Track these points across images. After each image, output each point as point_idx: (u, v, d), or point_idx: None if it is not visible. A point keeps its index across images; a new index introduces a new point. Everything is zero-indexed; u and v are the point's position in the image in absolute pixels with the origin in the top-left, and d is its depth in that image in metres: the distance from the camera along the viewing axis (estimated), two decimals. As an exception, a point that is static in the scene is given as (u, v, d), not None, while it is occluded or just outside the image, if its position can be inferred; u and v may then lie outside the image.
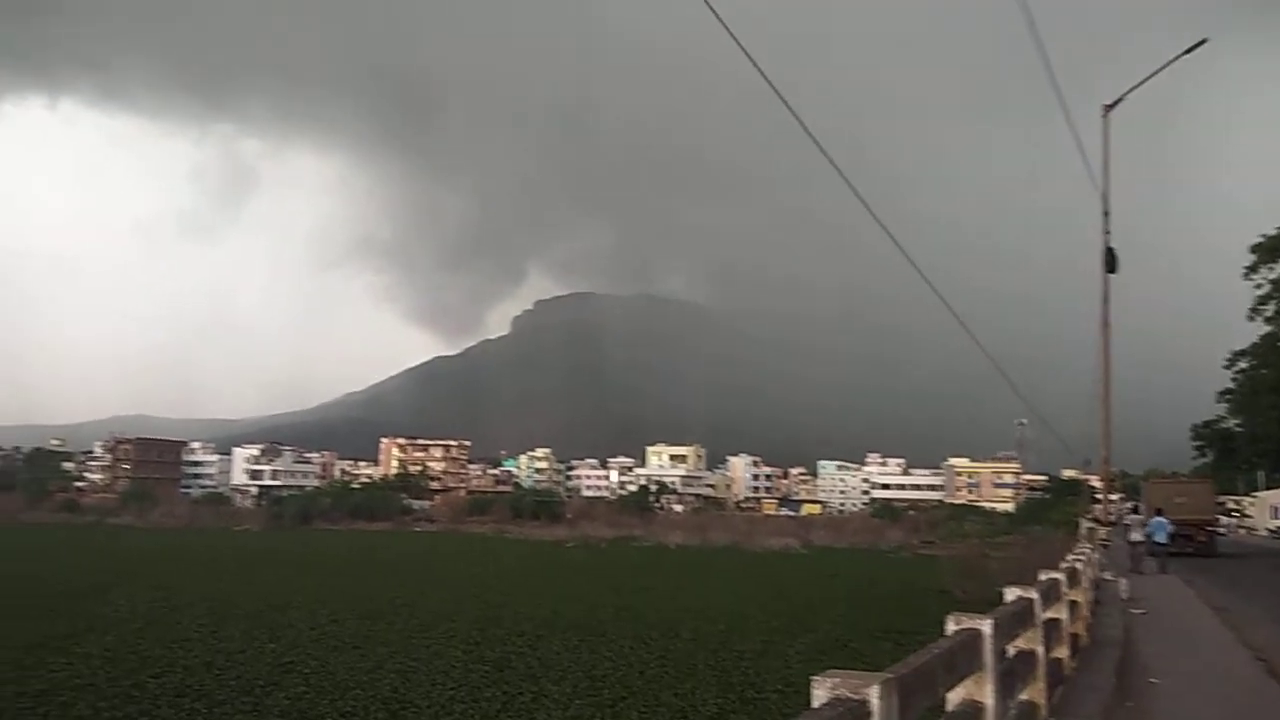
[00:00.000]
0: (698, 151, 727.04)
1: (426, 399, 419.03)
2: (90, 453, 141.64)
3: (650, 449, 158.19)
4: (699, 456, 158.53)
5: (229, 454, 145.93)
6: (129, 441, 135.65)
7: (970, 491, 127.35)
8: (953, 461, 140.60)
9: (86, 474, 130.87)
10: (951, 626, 4.67)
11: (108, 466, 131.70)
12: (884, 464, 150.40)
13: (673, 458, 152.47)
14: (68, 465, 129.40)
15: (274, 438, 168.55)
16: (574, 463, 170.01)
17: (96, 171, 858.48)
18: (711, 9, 7.17)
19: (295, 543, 54.59)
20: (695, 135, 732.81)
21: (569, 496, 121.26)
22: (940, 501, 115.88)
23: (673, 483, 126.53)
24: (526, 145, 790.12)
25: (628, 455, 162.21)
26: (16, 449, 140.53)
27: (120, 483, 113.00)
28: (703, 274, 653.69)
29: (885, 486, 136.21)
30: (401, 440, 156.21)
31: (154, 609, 23.75)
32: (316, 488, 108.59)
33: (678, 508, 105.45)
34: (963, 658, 4.31)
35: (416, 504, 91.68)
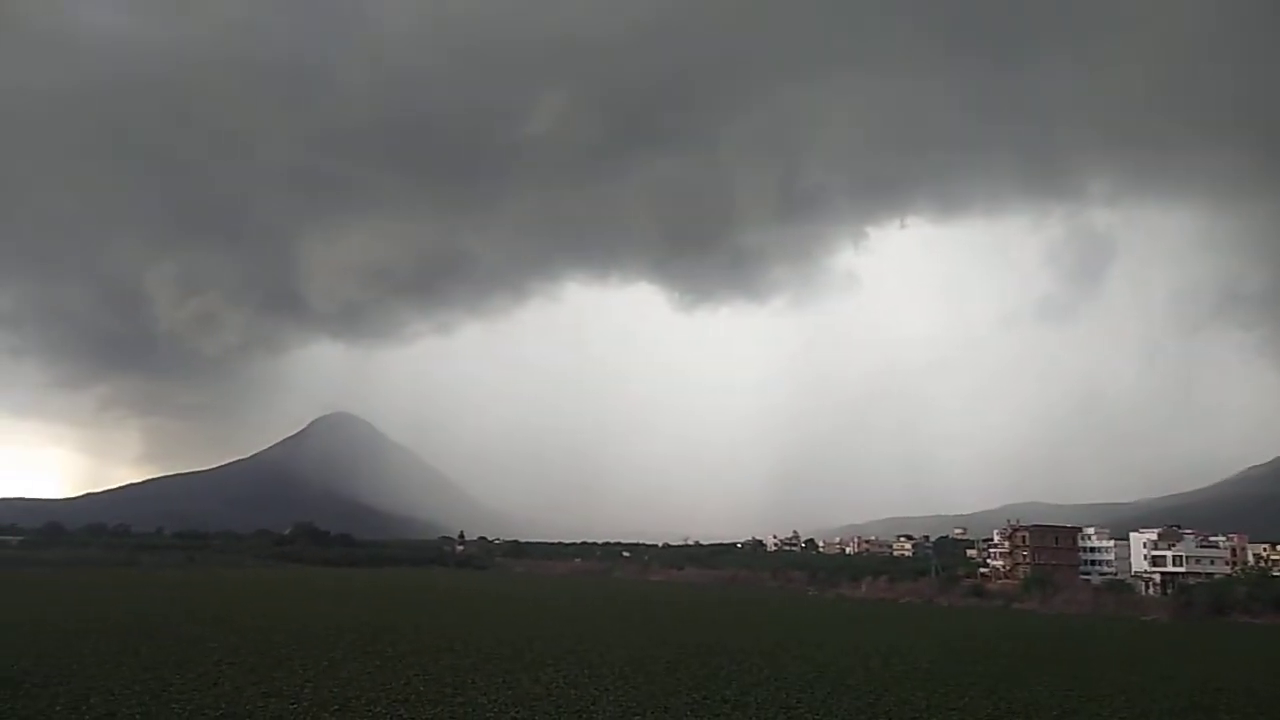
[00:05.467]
0: None
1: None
2: (989, 540, 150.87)
3: None
4: None
5: (1125, 539, 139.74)
6: (1025, 529, 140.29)
7: None
8: None
9: (989, 560, 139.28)
10: None
11: (1006, 554, 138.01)
12: None
13: None
14: (971, 552, 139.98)
15: (1168, 520, 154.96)
16: None
17: (945, 277, 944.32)
18: None
19: (1208, 635, 47.77)
20: None
21: None
22: None
23: None
24: None
25: None
26: (926, 537, 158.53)
27: (1020, 569, 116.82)
28: None
29: None
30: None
31: (1068, 699, 22.64)
32: (1227, 575, 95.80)
33: None
34: None
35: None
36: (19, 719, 14.94)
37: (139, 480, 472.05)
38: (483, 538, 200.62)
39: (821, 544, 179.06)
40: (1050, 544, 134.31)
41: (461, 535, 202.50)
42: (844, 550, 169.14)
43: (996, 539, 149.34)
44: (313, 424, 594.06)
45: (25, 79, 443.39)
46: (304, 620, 35.16)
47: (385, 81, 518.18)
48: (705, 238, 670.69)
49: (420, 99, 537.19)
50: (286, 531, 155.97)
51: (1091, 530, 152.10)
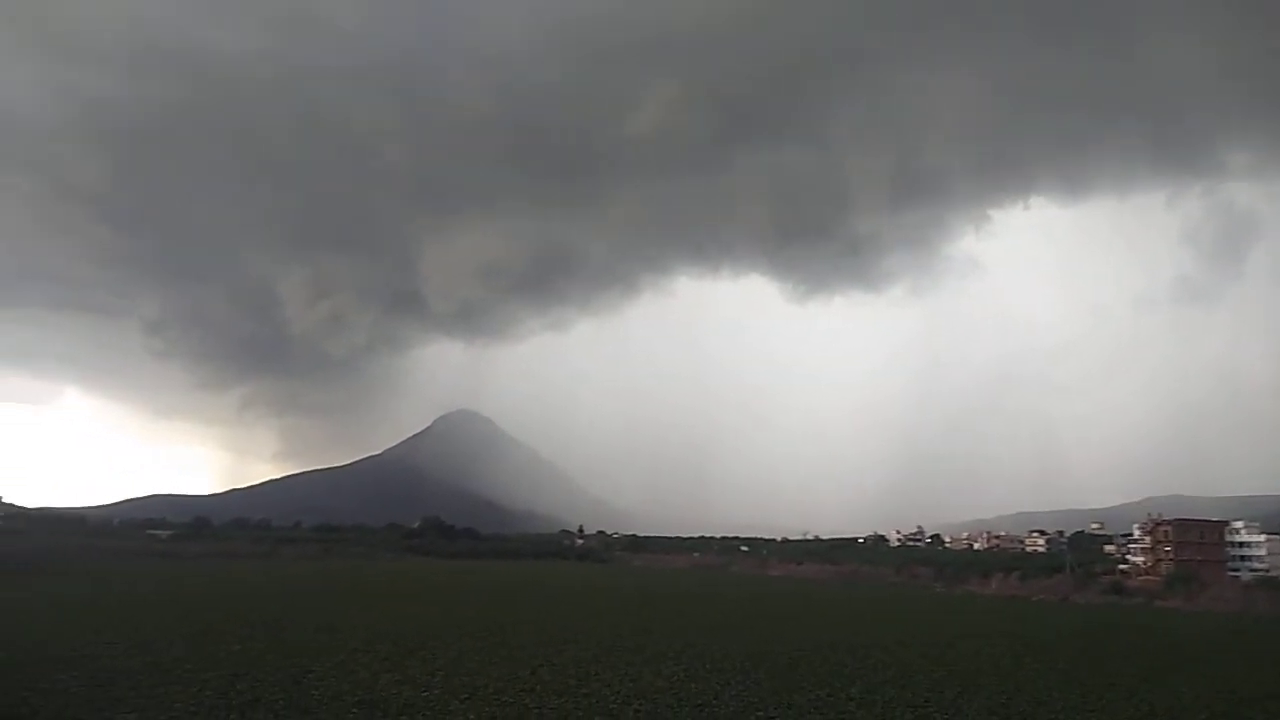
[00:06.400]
0: None
1: None
2: (1128, 535, 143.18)
3: None
4: None
5: (1278, 534, 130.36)
6: (1167, 523, 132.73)
7: None
8: None
9: (1128, 556, 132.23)
10: None
11: (1148, 549, 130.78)
12: None
13: None
14: (1108, 548, 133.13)
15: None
16: None
17: (1072, 260, 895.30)
18: None
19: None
20: None
21: None
22: None
23: None
24: None
25: None
26: (1060, 533, 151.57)
27: (1162, 565, 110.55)
28: None
29: None
30: None
31: (1216, 701, 21.16)
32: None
33: None
34: None
35: None
36: (173, 704, 15.87)
37: (278, 476, 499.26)
38: (601, 532, 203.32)
39: (948, 539, 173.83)
40: (1195, 539, 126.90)
41: (581, 529, 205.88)
42: (971, 546, 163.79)
43: (1136, 533, 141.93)
44: (436, 421, 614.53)
45: (157, 99, 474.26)
46: (434, 611, 36.34)
47: (497, 84, 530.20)
48: (818, 227, 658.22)
49: (532, 99, 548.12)
50: (415, 525, 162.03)
51: (1240, 524, 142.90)
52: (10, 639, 23.36)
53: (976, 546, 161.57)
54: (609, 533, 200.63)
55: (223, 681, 18.17)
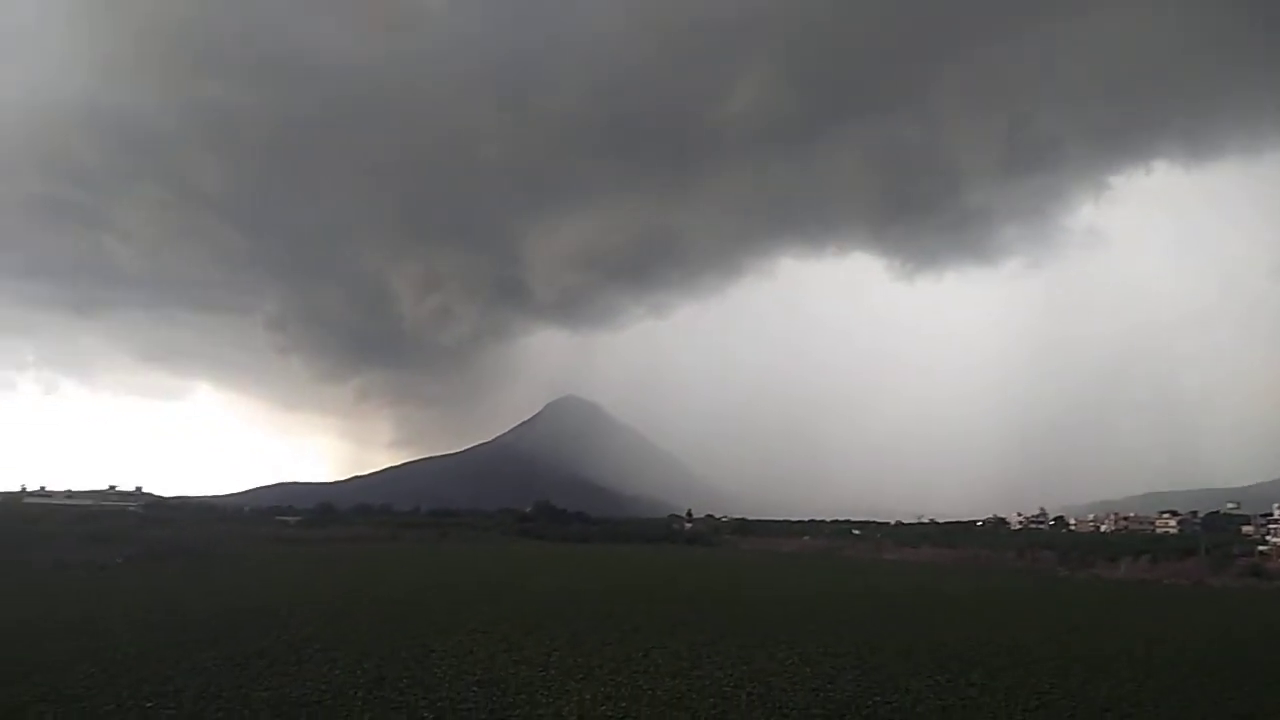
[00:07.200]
0: None
1: None
2: (1269, 515, 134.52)
3: None
4: None
5: None
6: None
7: None
8: None
9: (1269, 538, 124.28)
10: None
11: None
12: None
13: None
14: (1246, 529, 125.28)
15: None
16: None
17: (1199, 227, 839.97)
18: None
19: None
20: None
21: None
22: None
23: None
24: None
25: None
26: (1193, 513, 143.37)
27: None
28: None
29: None
30: None
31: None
32: None
33: None
34: None
35: None
36: (304, 681, 16.66)
37: (395, 464, 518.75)
38: (709, 515, 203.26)
39: (1072, 521, 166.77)
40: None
41: (689, 513, 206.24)
42: (1098, 528, 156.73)
43: (1277, 513, 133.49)
44: (545, 408, 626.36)
45: (273, 105, 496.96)
46: (548, 592, 37.04)
47: (594, 73, 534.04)
48: (926, 201, 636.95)
49: (629, 85, 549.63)
50: (528, 509, 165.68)
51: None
52: (156, 620, 24.97)
53: (1103, 529, 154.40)
54: (717, 516, 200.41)
55: (350, 660, 18.97)
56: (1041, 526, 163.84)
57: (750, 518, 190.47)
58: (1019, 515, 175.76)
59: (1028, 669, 20.82)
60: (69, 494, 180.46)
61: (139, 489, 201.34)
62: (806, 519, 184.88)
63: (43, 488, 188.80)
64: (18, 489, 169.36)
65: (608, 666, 19.14)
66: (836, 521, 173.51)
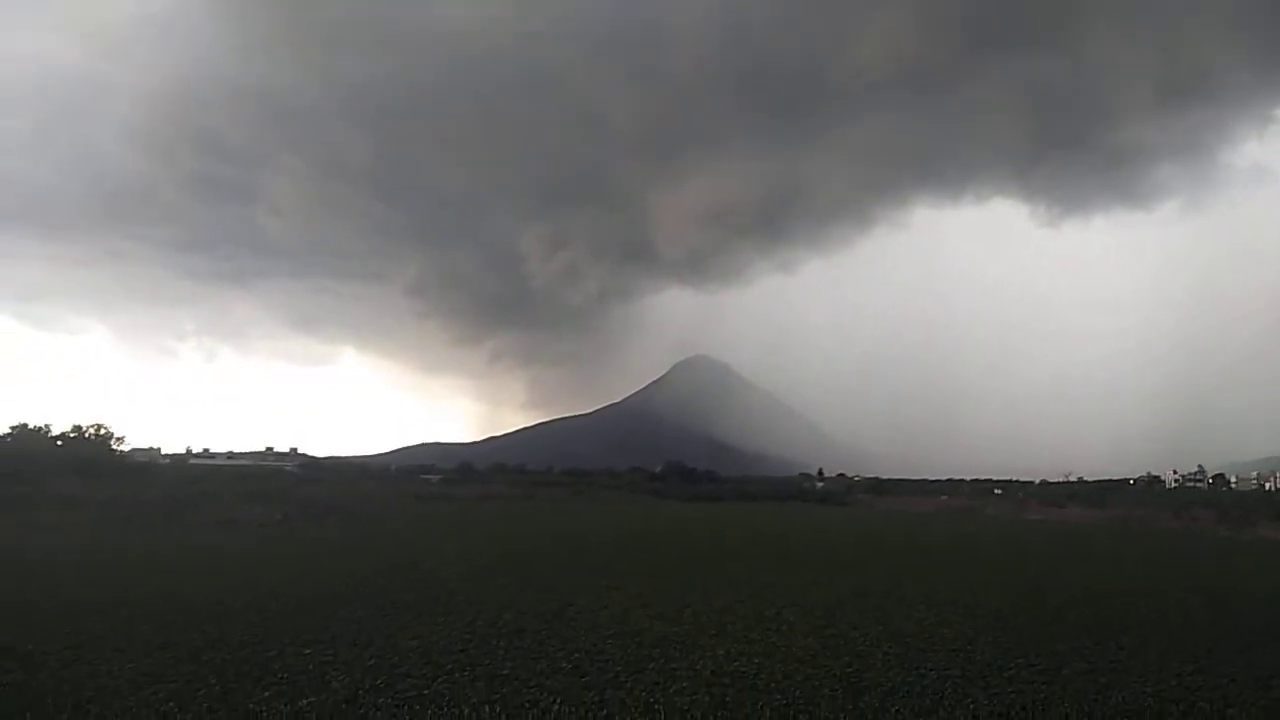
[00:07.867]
0: None
1: None
2: None
3: None
4: None
5: None
6: None
7: None
8: None
9: None
10: None
11: None
12: None
13: None
14: None
15: None
16: None
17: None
18: None
19: None
20: None
21: None
22: None
23: None
24: None
25: None
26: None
27: None
28: None
29: None
30: None
31: None
32: None
33: None
34: None
35: None
36: (445, 634, 17.39)
37: (529, 425, 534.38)
38: (842, 474, 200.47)
39: (1234, 479, 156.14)
40: None
41: (820, 472, 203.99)
42: (1263, 486, 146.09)
43: None
44: (674, 368, 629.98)
45: (407, 77, 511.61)
46: (680, 550, 37.38)
47: (720, 28, 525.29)
48: (1071, 140, 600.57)
49: (755, 36, 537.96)
50: (658, 469, 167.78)
51: None
52: (314, 572, 26.60)
53: (1268, 487, 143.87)
54: (850, 475, 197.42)
55: (492, 612, 19.70)
56: (1199, 485, 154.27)
57: (885, 476, 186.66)
58: (1175, 473, 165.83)
59: (1185, 634, 19.61)
60: (230, 455, 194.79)
61: (294, 449, 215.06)
62: (944, 478, 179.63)
63: (206, 449, 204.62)
64: (183, 450, 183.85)
65: (740, 624, 19.17)
66: (976, 480, 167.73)
